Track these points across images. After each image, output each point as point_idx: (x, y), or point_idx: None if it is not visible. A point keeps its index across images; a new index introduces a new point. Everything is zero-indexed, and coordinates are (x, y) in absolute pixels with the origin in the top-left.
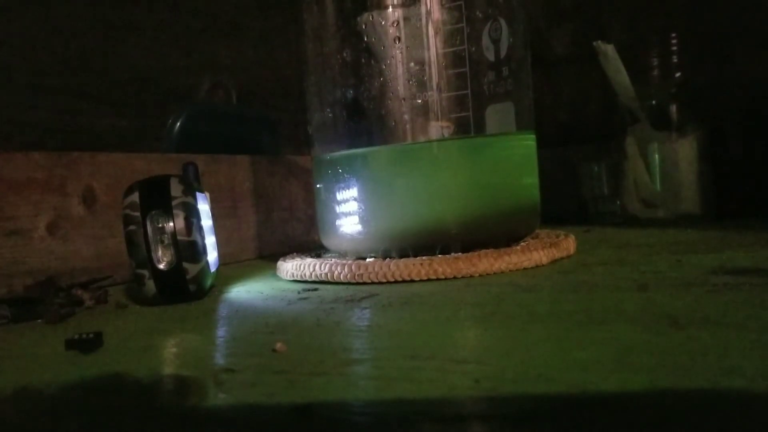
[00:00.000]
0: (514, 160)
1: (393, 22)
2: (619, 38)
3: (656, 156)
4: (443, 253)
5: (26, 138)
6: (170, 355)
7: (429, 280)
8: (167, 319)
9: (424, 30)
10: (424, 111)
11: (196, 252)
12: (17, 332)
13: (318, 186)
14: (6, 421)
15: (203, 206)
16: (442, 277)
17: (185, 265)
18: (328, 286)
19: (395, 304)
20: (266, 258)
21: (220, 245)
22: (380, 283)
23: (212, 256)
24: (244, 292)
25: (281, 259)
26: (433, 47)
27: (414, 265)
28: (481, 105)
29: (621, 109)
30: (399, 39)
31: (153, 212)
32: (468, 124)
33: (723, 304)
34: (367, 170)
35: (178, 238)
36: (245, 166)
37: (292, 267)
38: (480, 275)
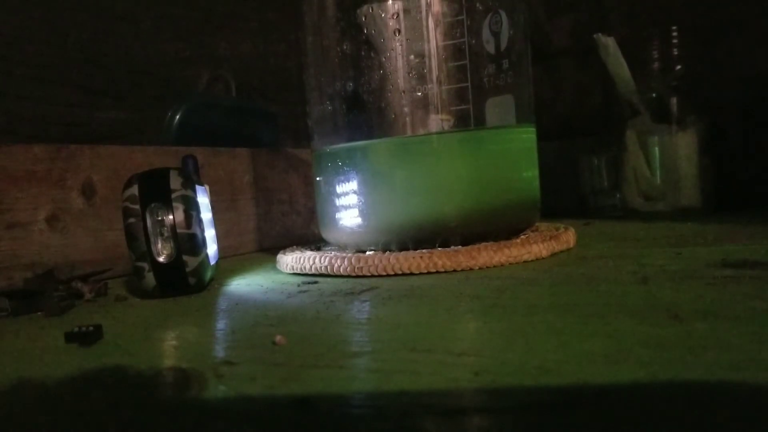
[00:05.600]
0: (514, 153)
1: (393, 14)
2: (620, 31)
3: (656, 149)
4: (443, 246)
5: (26, 131)
6: (170, 348)
7: (429, 273)
8: (167, 311)
9: (424, 22)
10: (424, 104)
11: (196, 245)
12: (17, 325)
13: (318, 179)
14: (6, 414)
15: (203, 199)
16: (442, 270)
17: (185, 257)
18: (328, 279)
19: (395, 297)
20: (266, 251)
21: (220, 238)
22: (380, 276)
23: (212, 248)
24: (244, 285)
25: (281, 252)
26: (433, 39)
27: (414, 258)
28: (481, 98)
29: (621, 102)
30: (399, 31)
31: (152, 205)
32: (468, 117)
33: (723, 296)
34: (366, 163)
35: (178, 230)
36: (245, 158)
37: (291, 260)
38: (480, 268)
